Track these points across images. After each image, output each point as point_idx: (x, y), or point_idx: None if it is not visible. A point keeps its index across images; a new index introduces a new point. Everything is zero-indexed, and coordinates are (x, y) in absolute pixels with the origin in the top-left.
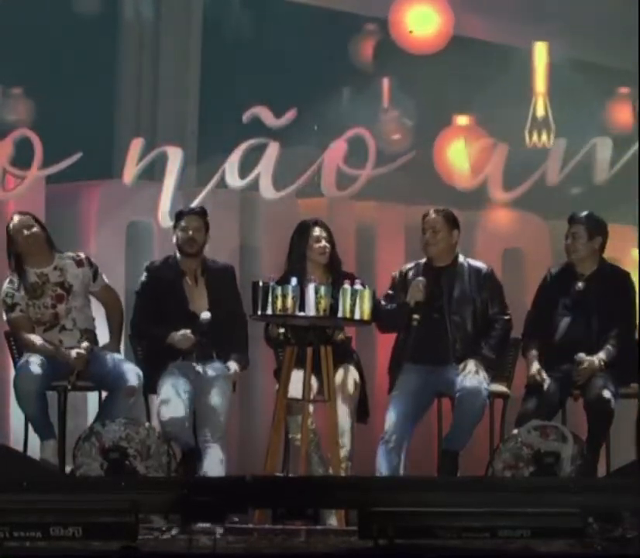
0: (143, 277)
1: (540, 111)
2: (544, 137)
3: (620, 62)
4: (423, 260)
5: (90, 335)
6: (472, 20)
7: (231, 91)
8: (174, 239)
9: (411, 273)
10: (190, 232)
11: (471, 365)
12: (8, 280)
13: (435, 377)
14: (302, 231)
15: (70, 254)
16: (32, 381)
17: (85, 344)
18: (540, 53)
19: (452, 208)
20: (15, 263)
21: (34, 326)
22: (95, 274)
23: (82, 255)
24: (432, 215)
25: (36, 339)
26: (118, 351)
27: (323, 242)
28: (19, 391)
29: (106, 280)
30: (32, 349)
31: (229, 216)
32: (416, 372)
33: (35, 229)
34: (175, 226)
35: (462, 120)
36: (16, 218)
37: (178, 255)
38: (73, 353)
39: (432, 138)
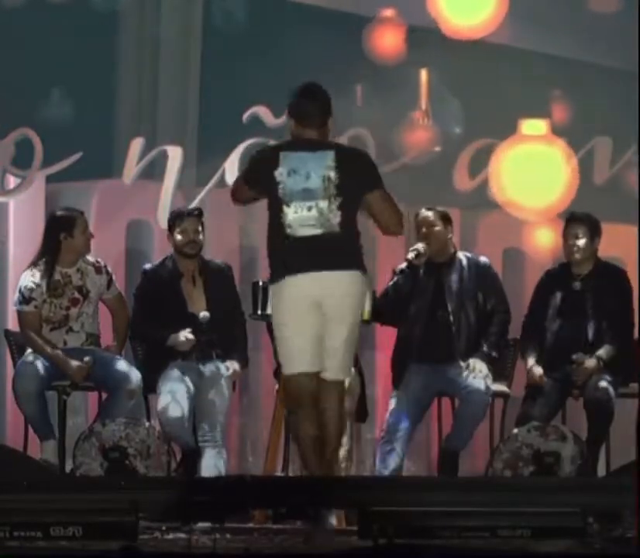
0: (142, 279)
1: None
2: None
3: (620, 62)
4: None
5: (94, 339)
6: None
7: (231, 91)
8: (173, 241)
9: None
10: (191, 235)
11: (474, 363)
12: (30, 272)
13: (437, 376)
14: None
15: (91, 259)
16: (32, 381)
17: (87, 358)
18: None
19: (453, 208)
20: (50, 258)
21: (42, 324)
22: (110, 282)
23: (101, 262)
24: (425, 212)
25: (43, 341)
26: (120, 354)
27: None
28: (19, 391)
29: (118, 288)
30: (37, 350)
31: (229, 216)
32: (419, 371)
33: (91, 234)
34: (172, 228)
35: (532, 128)
36: (82, 218)
37: (176, 256)
38: (74, 365)
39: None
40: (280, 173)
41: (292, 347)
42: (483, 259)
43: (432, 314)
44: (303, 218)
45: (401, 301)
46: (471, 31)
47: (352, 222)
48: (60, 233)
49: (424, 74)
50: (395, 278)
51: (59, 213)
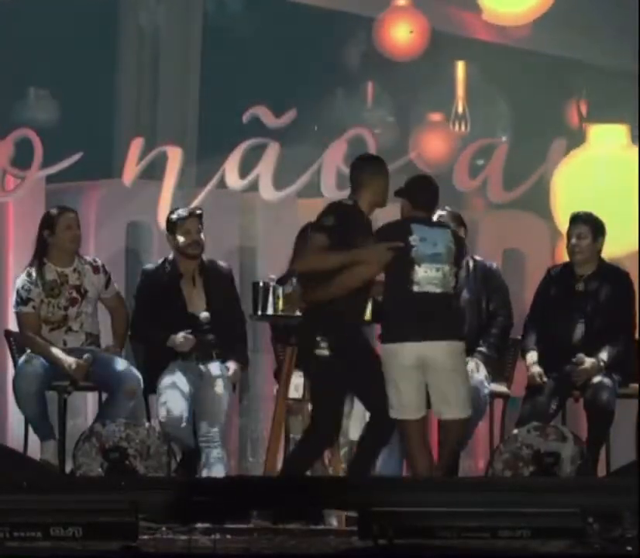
0: (141, 279)
1: None
2: None
3: (620, 62)
4: None
5: (94, 339)
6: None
7: (231, 91)
8: (174, 242)
9: None
10: (194, 235)
11: (472, 364)
12: (26, 272)
13: None
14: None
15: (88, 259)
16: (32, 381)
17: (86, 356)
18: None
19: (452, 208)
20: (40, 257)
21: (41, 324)
22: (108, 282)
23: (99, 261)
24: (439, 212)
25: (43, 341)
26: (120, 354)
27: None
28: (19, 391)
29: (117, 287)
30: (37, 350)
31: (229, 216)
32: None
33: (79, 231)
34: (174, 229)
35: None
36: (68, 215)
37: (177, 257)
38: (74, 363)
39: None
40: (413, 239)
41: (399, 399)
42: (491, 263)
43: None
44: (430, 277)
45: None
46: (512, 18)
47: (456, 290)
48: (45, 231)
49: (460, 69)
50: None
51: (46, 211)
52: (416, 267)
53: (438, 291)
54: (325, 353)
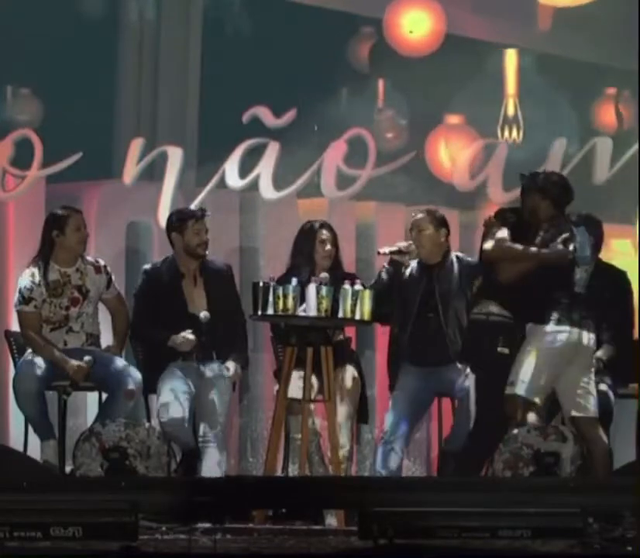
0: (142, 279)
1: None
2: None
3: (620, 62)
4: (416, 259)
5: (94, 339)
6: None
7: (231, 91)
8: (182, 242)
9: (406, 272)
10: (204, 236)
11: None
12: (29, 272)
13: (436, 377)
14: (309, 233)
15: (90, 259)
16: (32, 381)
17: (88, 358)
18: None
19: (452, 208)
20: (45, 257)
21: (42, 324)
22: (109, 282)
23: (101, 262)
24: (419, 215)
25: (44, 342)
26: (120, 354)
27: (329, 246)
28: (19, 391)
29: (118, 288)
30: (37, 350)
31: (229, 216)
32: (416, 373)
33: (86, 232)
34: (183, 229)
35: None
36: (77, 216)
37: (181, 256)
38: (75, 365)
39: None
40: (577, 242)
41: (524, 374)
42: (476, 260)
43: (424, 316)
44: (582, 279)
45: (383, 297)
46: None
47: None
48: (53, 231)
49: (511, 57)
50: (378, 274)
51: (53, 211)
52: (577, 269)
53: (583, 291)
54: (506, 351)
